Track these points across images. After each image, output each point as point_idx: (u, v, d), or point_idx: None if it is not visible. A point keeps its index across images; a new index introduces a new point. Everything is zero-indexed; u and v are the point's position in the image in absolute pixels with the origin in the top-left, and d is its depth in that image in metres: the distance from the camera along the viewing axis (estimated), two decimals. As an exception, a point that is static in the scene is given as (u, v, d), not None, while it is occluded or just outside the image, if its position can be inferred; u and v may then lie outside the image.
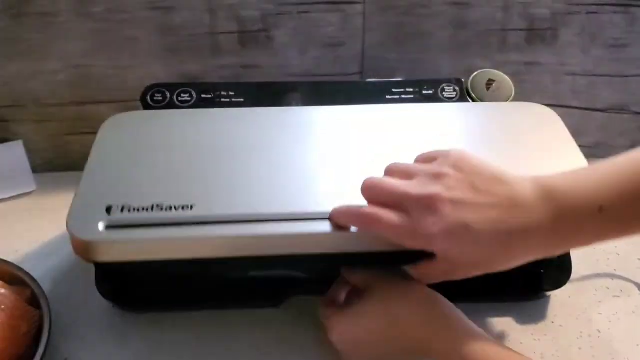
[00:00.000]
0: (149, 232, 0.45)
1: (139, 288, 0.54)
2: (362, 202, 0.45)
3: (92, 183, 0.50)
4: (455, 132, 0.56)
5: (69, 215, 0.47)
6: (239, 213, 0.47)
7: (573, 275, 0.54)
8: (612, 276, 0.59)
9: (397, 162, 0.46)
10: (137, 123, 0.57)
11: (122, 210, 0.46)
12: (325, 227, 0.46)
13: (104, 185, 0.49)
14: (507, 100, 0.62)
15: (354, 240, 0.47)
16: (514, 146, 0.54)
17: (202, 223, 0.46)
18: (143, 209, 0.47)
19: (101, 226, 0.45)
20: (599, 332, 0.53)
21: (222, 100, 0.61)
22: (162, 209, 0.47)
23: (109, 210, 0.47)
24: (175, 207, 0.47)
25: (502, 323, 0.54)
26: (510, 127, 0.57)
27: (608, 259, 0.61)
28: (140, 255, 0.47)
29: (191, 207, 0.47)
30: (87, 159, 0.73)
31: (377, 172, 0.46)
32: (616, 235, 0.40)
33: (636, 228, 0.40)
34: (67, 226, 0.46)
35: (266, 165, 0.51)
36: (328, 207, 0.46)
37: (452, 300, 0.50)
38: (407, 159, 0.47)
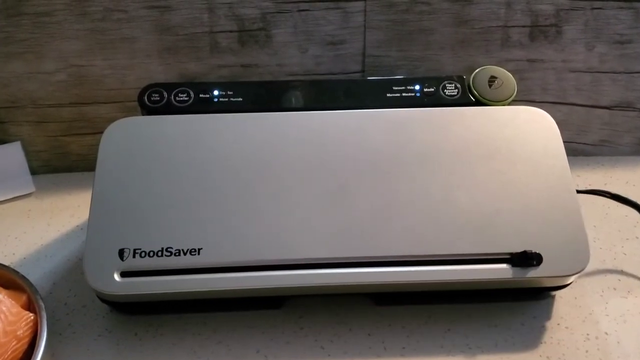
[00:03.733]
0: (160, 281, 0.49)
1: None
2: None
3: (102, 218, 0.52)
4: (444, 140, 0.56)
5: (85, 261, 0.50)
6: (246, 259, 0.50)
7: (579, 276, 0.53)
8: (619, 276, 0.58)
9: None
10: (138, 136, 0.56)
11: (134, 255, 0.50)
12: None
13: (113, 220, 0.51)
14: (509, 98, 0.61)
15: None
16: (500, 155, 0.55)
17: (210, 270, 0.49)
18: (153, 253, 0.50)
19: (117, 276, 0.49)
20: (607, 334, 0.53)
21: (221, 100, 0.60)
22: (171, 254, 0.50)
23: (121, 254, 0.50)
24: (184, 252, 0.50)
25: (507, 325, 0.53)
26: (501, 135, 0.56)
27: (615, 258, 0.60)
28: (152, 298, 0.51)
29: (199, 251, 0.50)
30: (85, 160, 0.73)
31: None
32: None
33: None
34: (83, 273, 0.49)
35: (274, 200, 0.53)
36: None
37: (457, 301, 0.49)
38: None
